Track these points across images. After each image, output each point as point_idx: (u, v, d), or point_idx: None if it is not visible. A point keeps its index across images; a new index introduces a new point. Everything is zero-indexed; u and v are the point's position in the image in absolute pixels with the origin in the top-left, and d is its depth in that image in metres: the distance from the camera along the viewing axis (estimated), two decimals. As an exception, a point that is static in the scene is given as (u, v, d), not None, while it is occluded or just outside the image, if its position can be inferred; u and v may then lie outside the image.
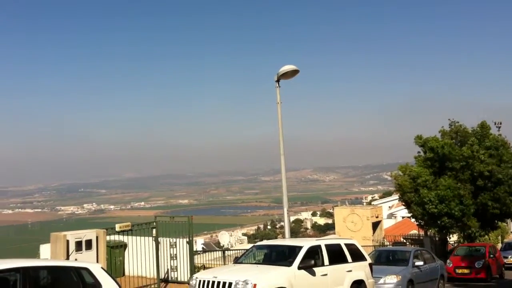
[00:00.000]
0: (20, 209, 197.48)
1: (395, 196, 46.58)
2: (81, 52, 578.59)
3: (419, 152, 27.48)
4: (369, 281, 13.12)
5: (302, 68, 16.60)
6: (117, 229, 14.53)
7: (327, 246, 12.50)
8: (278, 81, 16.60)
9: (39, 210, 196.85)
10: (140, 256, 15.42)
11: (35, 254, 19.46)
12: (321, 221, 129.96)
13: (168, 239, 16.12)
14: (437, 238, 28.52)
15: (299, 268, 11.33)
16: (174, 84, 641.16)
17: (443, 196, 23.90)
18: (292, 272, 11.16)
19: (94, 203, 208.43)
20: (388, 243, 31.48)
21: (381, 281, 14.58)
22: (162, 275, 15.84)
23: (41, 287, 8.34)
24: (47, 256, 16.15)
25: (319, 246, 12.32)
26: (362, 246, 14.35)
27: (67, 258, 12.62)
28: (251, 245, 26.35)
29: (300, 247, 11.93)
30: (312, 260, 11.58)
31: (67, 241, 12.97)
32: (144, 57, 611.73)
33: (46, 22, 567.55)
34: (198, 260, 22.07)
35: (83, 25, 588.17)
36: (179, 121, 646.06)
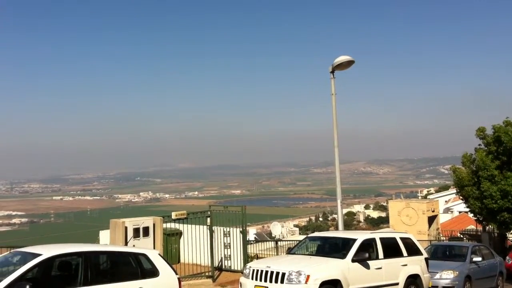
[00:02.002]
0: (80, 197, 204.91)
1: (452, 190, 45.11)
2: (144, 48, 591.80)
3: (480, 145, 26.45)
4: (425, 276, 12.85)
5: (358, 58, 16.37)
6: (173, 217, 14.89)
7: (382, 239, 12.33)
8: (333, 72, 16.44)
9: (98, 197, 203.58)
10: (194, 244, 15.72)
11: (95, 240, 20.14)
12: (374, 214, 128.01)
13: (221, 228, 16.35)
14: (495, 234, 27.50)
15: (353, 260, 11.24)
16: (230, 78, 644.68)
17: (508, 191, 22.91)
18: (345, 265, 11.08)
19: (150, 192, 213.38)
20: (444, 238, 30.64)
21: (437, 276, 14.24)
22: (216, 263, 16.10)
23: (101, 271, 8.66)
24: (106, 241, 16.70)
25: (373, 239, 12.17)
26: (417, 240, 14.06)
27: (126, 244, 13.02)
28: (303, 236, 26.30)
29: (354, 240, 11.83)
30: (366, 253, 11.46)
31: (126, 228, 13.38)
32: (201, 55, 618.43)
33: (113, 19, 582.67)
34: (251, 249, 22.27)
35: (146, 22, 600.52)
36: (233, 113, 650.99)
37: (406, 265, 12.41)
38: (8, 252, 9.11)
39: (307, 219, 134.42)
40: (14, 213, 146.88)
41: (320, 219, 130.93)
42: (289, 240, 29.19)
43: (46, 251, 8.19)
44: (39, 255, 7.94)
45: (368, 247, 11.81)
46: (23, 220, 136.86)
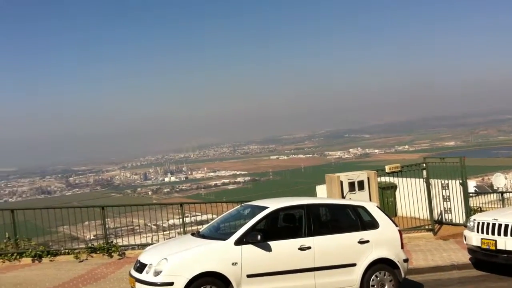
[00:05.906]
0: (293, 155, 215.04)
1: None
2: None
3: None
4: None
5: None
6: (387, 170, 14.79)
7: None
8: None
9: (310, 155, 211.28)
10: (410, 197, 15.42)
11: (313, 194, 21.05)
12: None
13: (439, 180, 15.72)
14: None
15: None
16: (432, 28, 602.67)
17: None
18: None
19: (359, 148, 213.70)
20: None
21: None
22: (435, 217, 15.60)
23: (322, 222, 9.09)
24: (322, 195, 17.37)
25: None
26: None
27: (342, 198, 13.39)
28: (533, 187, 23.80)
29: None
30: None
31: (341, 182, 13.75)
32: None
33: None
34: (472, 202, 21.00)
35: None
36: (439, 59, 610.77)
37: None
38: (239, 205, 10.10)
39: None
40: (238, 172, 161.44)
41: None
42: (516, 192, 26.74)
43: (272, 204, 8.89)
44: (266, 207, 8.64)
45: None
46: (246, 178, 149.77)
